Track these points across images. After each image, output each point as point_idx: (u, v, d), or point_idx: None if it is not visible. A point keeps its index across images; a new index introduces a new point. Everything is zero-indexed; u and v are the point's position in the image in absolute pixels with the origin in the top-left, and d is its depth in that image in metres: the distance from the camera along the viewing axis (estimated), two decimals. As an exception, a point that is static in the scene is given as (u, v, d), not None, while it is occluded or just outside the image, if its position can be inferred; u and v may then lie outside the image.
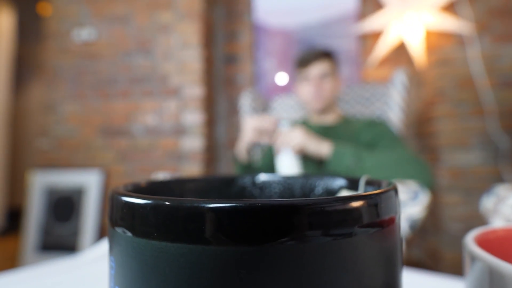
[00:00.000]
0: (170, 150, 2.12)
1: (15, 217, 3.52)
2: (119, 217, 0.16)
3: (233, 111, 2.32)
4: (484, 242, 0.17)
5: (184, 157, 2.09)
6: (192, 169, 2.06)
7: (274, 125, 0.96)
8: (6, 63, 3.53)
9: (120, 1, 2.25)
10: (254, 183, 0.28)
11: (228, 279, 0.13)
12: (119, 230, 0.16)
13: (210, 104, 2.21)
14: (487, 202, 0.62)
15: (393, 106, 1.25)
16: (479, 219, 1.70)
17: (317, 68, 1.15)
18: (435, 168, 1.87)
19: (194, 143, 2.08)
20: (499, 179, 1.74)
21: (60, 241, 2.11)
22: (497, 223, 0.62)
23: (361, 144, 1.11)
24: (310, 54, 1.16)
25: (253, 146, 1.07)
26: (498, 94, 1.77)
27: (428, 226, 1.96)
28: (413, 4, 1.83)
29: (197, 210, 0.13)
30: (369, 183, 0.23)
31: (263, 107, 1.58)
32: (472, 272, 0.14)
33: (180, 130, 2.11)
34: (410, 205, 0.68)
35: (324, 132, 1.18)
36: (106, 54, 2.25)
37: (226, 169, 2.29)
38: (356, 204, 0.14)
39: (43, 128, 2.32)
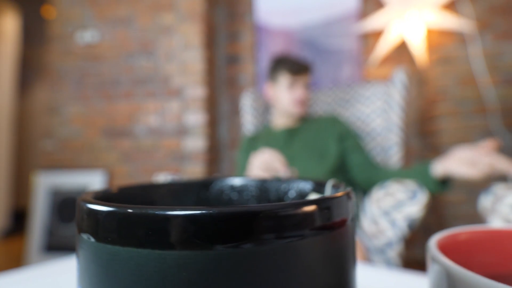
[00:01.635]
0: (172, 150, 2.13)
1: (20, 218, 3.56)
2: (80, 222, 0.17)
3: (235, 111, 2.32)
4: (449, 245, 0.18)
5: (187, 157, 2.10)
6: (195, 169, 2.07)
7: (282, 168, 0.95)
8: (11, 65, 3.56)
9: (123, 3, 2.26)
10: (232, 187, 0.29)
11: (174, 282, 0.13)
12: (82, 234, 0.17)
13: (212, 105, 2.22)
14: (485, 201, 0.62)
15: (393, 105, 1.25)
16: (483, 217, 1.69)
17: (306, 78, 1.23)
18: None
19: (196, 143, 2.09)
20: (502, 177, 1.74)
21: (64, 241, 2.13)
22: (495, 223, 0.62)
23: (328, 139, 1.16)
24: (300, 64, 1.22)
25: None
26: (500, 92, 1.77)
27: (431, 225, 1.96)
28: (414, 3, 1.83)
29: (143, 217, 0.14)
30: (335, 186, 0.23)
31: (264, 108, 1.58)
32: (431, 273, 0.15)
33: (182, 131, 2.12)
34: (409, 204, 0.68)
35: (289, 134, 1.23)
36: (109, 56, 2.27)
37: (228, 169, 2.30)
38: (306, 209, 0.15)
39: (47, 130, 2.34)
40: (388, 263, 0.75)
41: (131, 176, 2.16)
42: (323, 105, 1.49)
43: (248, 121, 1.55)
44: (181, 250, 0.13)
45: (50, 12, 2.45)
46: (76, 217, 0.18)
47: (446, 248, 0.17)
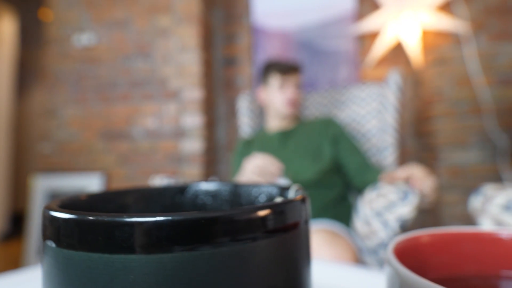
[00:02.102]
0: (170, 152, 2.13)
1: (18, 221, 3.55)
2: (44, 229, 0.18)
3: (233, 113, 2.33)
4: (409, 248, 0.18)
5: (184, 159, 2.10)
6: (193, 171, 2.08)
7: (276, 171, 0.95)
8: (8, 68, 3.56)
9: (119, 6, 2.27)
10: (206, 192, 0.30)
11: (121, 284, 0.14)
12: (46, 240, 0.18)
13: (209, 107, 2.23)
14: (475, 202, 0.63)
15: (387, 107, 1.26)
16: (478, 218, 1.70)
17: (296, 78, 1.25)
18: (435, 167, 1.87)
19: (194, 145, 2.10)
20: (498, 177, 1.75)
21: (62, 244, 2.13)
22: (485, 223, 0.63)
23: (321, 141, 1.17)
24: (289, 64, 1.26)
25: None
26: (495, 92, 1.78)
27: (428, 225, 1.97)
28: (409, 4, 1.84)
29: (93, 223, 0.15)
30: (298, 190, 0.24)
31: (260, 110, 1.59)
32: (386, 276, 0.15)
33: (180, 133, 2.13)
34: (400, 205, 0.69)
35: (283, 136, 1.24)
36: (106, 58, 2.28)
37: (226, 170, 2.30)
38: (259, 213, 0.16)
39: (45, 133, 2.34)
40: (381, 264, 0.75)
41: (129, 178, 2.17)
42: (319, 106, 1.50)
43: (245, 123, 1.55)
44: (127, 254, 0.14)
45: (47, 15, 2.46)
46: (41, 224, 0.19)
47: (406, 251, 0.18)
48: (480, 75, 1.78)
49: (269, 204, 0.17)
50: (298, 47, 2.26)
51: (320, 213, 1.06)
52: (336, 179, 1.15)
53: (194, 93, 2.12)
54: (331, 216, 1.07)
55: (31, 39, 4.10)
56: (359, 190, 1.13)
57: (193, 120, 2.11)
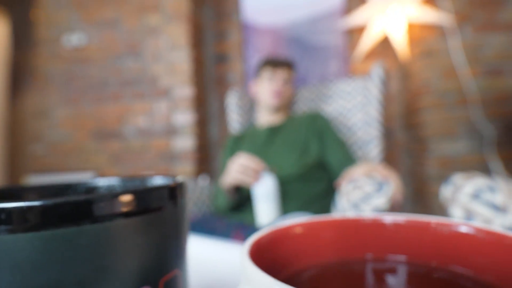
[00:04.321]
0: (162, 151, 2.14)
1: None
2: None
3: (225, 110, 2.34)
4: (271, 241, 0.18)
5: (177, 157, 2.12)
6: (185, 169, 2.09)
7: (259, 168, 0.99)
8: (1, 69, 3.56)
9: (109, 6, 2.27)
10: (119, 186, 0.31)
11: None
12: None
13: (201, 104, 2.24)
14: (445, 191, 0.65)
15: (371, 100, 1.27)
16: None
17: (283, 72, 1.30)
18: (424, 158, 1.89)
19: (186, 143, 2.11)
20: (485, 167, 1.77)
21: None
22: (456, 212, 0.64)
23: (308, 136, 1.20)
24: (280, 59, 1.33)
25: (235, 190, 1.11)
26: (481, 83, 1.79)
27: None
28: (395, -2, 1.85)
29: None
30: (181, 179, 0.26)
31: (249, 106, 1.60)
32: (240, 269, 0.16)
33: (171, 131, 2.14)
34: (376, 196, 0.70)
35: (271, 132, 1.28)
36: (96, 58, 2.28)
37: (219, 167, 2.32)
38: (119, 198, 0.18)
39: (37, 134, 2.35)
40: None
41: (122, 177, 2.18)
42: (307, 101, 1.51)
43: (234, 120, 1.57)
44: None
45: (37, 16, 2.46)
46: None
47: (268, 244, 0.18)
48: (466, 67, 1.80)
49: (130, 189, 0.18)
50: (288, 42, 2.27)
51: (304, 208, 1.08)
52: (322, 174, 1.16)
53: (185, 90, 2.13)
54: (315, 210, 1.08)
55: (23, 40, 4.09)
56: None
57: (185, 117, 2.12)
